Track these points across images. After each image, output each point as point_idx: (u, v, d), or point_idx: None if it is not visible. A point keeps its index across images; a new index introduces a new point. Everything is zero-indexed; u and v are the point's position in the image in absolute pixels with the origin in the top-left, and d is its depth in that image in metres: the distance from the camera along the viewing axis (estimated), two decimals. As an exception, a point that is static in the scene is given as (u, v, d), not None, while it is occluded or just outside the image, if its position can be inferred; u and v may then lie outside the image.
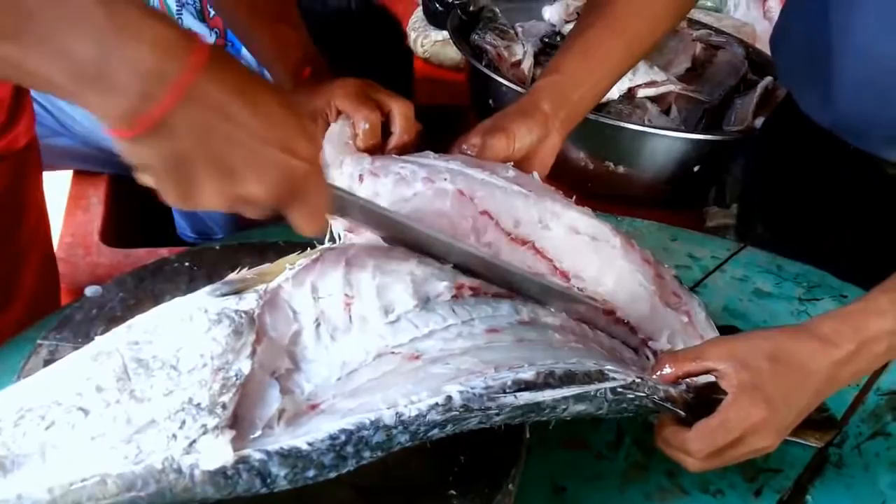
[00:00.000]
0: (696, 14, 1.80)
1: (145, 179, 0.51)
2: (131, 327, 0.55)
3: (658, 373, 0.66)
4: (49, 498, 0.47)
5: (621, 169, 1.35)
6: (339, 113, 0.82)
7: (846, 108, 0.94)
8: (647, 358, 0.75)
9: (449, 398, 0.52)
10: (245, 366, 0.52)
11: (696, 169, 1.37)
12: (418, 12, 1.78)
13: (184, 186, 0.50)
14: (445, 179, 0.73)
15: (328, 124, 0.82)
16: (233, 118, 0.49)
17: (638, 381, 0.61)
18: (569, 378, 0.58)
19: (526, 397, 0.55)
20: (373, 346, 0.61)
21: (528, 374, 0.56)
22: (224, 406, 0.50)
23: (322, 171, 0.55)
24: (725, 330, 0.85)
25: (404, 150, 0.81)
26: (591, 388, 0.58)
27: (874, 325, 0.65)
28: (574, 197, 0.79)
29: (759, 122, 1.40)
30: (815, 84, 0.98)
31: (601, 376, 0.59)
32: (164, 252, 0.73)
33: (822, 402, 0.78)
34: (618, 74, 0.91)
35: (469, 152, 0.80)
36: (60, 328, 0.64)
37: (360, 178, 0.75)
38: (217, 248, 0.77)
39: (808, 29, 0.98)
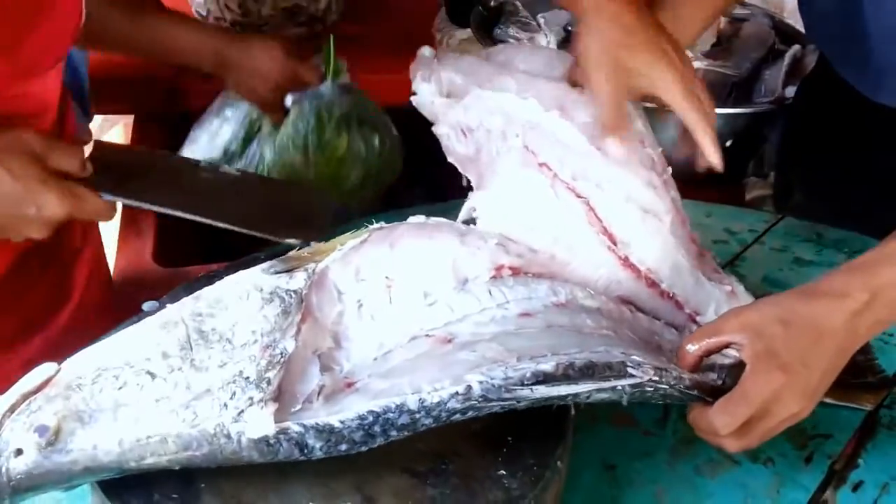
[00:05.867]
0: (719, -12, 1.78)
1: None
2: (198, 298, 0.61)
3: (685, 349, 0.66)
4: (119, 450, 0.54)
5: (653, 149, 1.35)
6: None
7: (879, 64, 0.94)
8: None
9: (469, 388, 0.56)
10: (290, 345, 0.58)
11: (728, 144, 1.36)
12: (442, 13, 1.80)
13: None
14: (517, 136, 0.78)
15: None
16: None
17: (655, 378, 0.61)
18: (588, 370, 0.59)
19: (541, 391, 0.58)
20: (409, 328, 0.65)
21: (548, 366, 0.58)
22: (269, 381, 0.56)
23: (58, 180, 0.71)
24: (765, 300, 0.86)
25: None
26: (607, 384, 0.59)
27: (886, 272, 0.63)
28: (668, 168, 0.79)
29: (789, 91, 1.39)
30: (847, 41, 0.98)
31: (621, 368, 0.60)
32: (213, 268, 0.78)
33: (877, 364, 0.78)
34: None
35: None
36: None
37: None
38: (262, 256, 0.80)
39: None
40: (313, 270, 0.64)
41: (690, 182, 1.36)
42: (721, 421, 0.61)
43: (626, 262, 0.76)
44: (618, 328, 0.69)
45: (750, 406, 0.60)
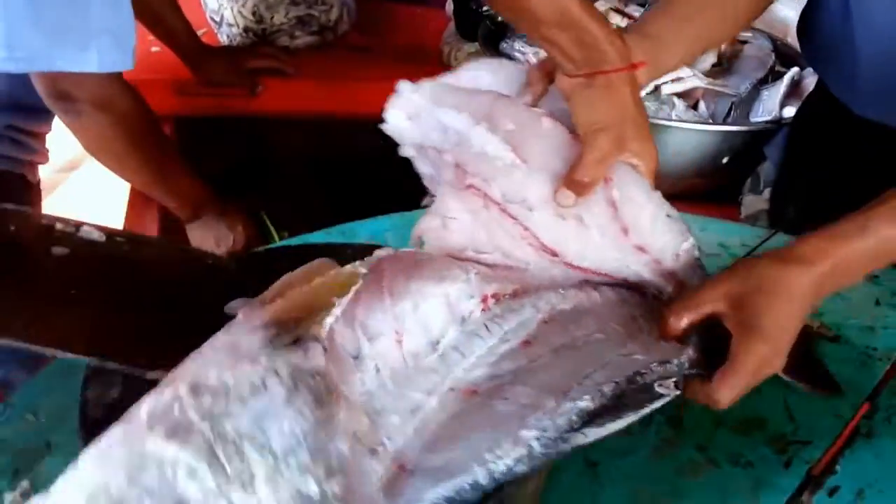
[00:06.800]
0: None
1: None
2: (197, 390, 0.51)
3: (669, 323, 0.69)
4: None
5: (651, 164, 1.38)
6: None
7: (868, 85, 0.97)
8: (656, 296, 0.77)
9: (530, 447, 0.56)
10: (343, 447, 0.51)
11: (725, 160, 1.39)
12: (451, 27, 1.83)
13: None
14: (448, 153, 0.77)
15: None
16: None
17: (674, 383, 0.63)
18: (618, 400, 0.60)
19: (594, 433, 0.58)
20: (429, 384, 0.63)
21: (584, 402, 0.59)
22: (335, 496, 0.50)
23: None
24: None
25: None
26: (645, 410, 0.61)
27: (851, 244, 0.70)
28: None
29: (787, 111, 1.42)
30: (839, 63, 1.01)
31: (650, 389, 0.62)
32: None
33: (822, 362, 0.85)
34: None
35: None
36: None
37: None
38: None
39: (830, 10, 1.01)
40: (324, 338, 0.55)
41: (686, 198, 1.40)
42: (724, 396, 0.66)
43: (571, 265, 0.78)
44: (601, 322, 0.71)
45: (745, 377, 0.66)
